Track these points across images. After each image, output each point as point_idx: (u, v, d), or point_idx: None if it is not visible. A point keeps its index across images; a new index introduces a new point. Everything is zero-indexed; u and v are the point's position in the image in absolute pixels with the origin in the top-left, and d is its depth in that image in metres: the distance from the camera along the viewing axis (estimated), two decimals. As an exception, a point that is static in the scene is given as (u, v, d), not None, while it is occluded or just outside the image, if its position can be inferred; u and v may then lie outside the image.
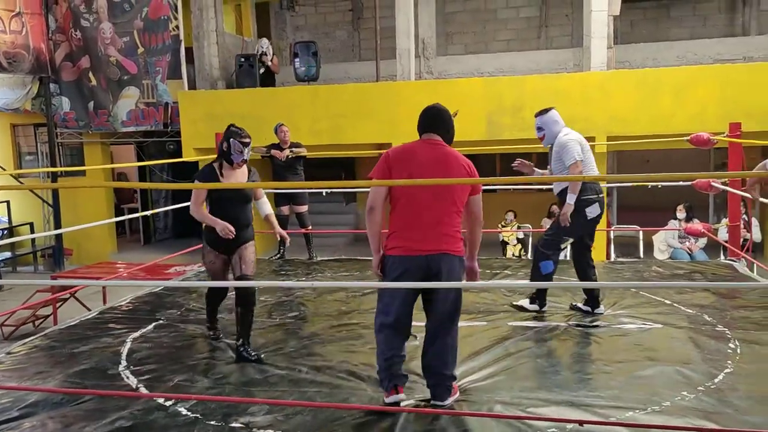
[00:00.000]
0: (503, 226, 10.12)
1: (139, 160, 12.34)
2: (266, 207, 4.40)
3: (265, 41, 11.47)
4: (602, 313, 4.66)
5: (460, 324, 4.47)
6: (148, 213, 6.77)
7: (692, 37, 11.78)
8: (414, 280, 3.11)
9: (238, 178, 4.11)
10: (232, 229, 4.00)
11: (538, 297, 4.79)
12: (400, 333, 3.22)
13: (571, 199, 4.43)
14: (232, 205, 4.11)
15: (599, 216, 4.57)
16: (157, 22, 11.23)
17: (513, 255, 9.91)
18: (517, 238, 10.19)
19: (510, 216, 10.33)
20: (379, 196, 3.22)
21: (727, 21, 12.30)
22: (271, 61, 11.39)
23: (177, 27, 11.11)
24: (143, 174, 13.47)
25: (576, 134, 4.59)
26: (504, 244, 10.25)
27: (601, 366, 3.75)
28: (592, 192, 4.51)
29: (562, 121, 4.66)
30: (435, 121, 3.34)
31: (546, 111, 4.65)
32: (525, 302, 4.81)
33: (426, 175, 3.14)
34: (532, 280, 4.79)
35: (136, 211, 13.04)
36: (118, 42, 11.53)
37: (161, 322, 4.87)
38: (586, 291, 4.73)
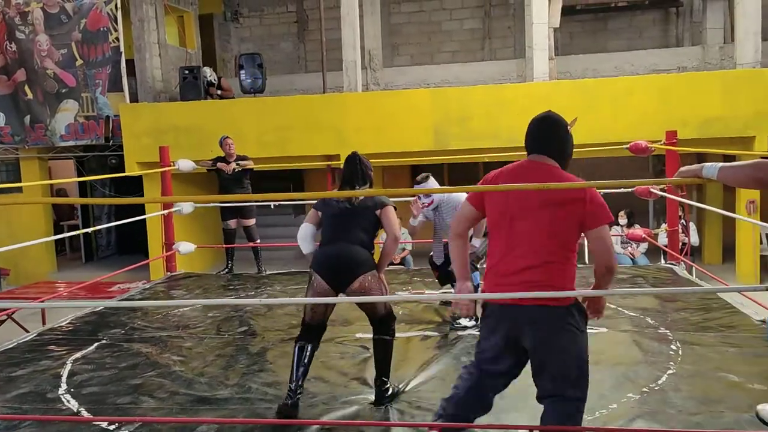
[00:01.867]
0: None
1: (80, 175, 11.96)
2: None
3: (207, 70, 11.16)
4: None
5: (410, 334, 4.51)
6: (89, 230, 6.55)
7: (629, 48, 12.19)
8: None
9: None
10: None
11: None
12: None
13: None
14: None
15: None
16: (96, 33, 10.94)
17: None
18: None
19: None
20: (462, 222, 2.70)
21: (661, 33, 12.78)
22: (221, 87, 11.14)
23: (117, 39, 10.85)
24: (84, 190, 13.06)
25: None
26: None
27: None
28: None
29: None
30: (544, 136, 2.65)
31: (426, 178, 4.85)
32: (464, 321, 4.80)
33: (524, 206, 2.50)
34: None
35: (76, 228, 12.63)
36: (56, 54, 11.19)
37: (104, 342, 4.71)
38: None
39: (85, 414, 3.42)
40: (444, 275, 5.23)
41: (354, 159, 3.63)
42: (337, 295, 3.44)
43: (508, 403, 3.36)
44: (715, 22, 11.30)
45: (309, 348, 3.42)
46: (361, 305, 3.53)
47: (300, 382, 3.34)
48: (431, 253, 5.22)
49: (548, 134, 2.66)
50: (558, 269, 2.48)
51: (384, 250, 3.56)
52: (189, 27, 12.49)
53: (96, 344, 4.65)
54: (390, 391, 3.49)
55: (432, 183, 4.90)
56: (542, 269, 2.47)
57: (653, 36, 12.72)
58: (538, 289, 2.42)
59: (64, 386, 3.82)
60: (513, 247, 2.51)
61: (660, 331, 4.46)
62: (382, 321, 3.50)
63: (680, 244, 7.03)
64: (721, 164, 2.41)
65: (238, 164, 7.33)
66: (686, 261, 6.51)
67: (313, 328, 3.47)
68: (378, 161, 10.40)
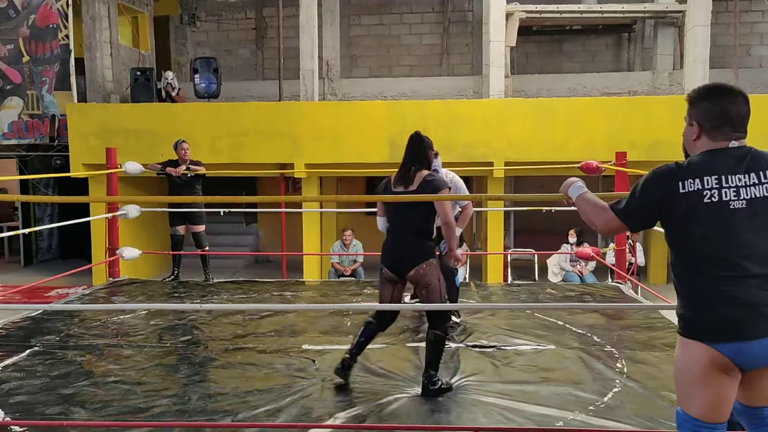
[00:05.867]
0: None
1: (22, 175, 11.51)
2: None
3: (170, 74, 10.94)
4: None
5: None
6: (26, 231, 6.28)
7: (582, 70, 12.46)
8: None
9: None
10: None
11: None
12: None
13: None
14: None
15: None
16: (45, 30, 10.59)
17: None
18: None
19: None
20: None
21: (613, 57, 13.12)
22: (177, 94, 10.92)
23: (67, 36, 10.52)
24: (25, 190, 12.57)
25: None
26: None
27: (498, 387, 3.78)
28: None
29: None
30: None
31: (435, 155, 4.75)
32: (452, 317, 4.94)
33: None
34: (451, 294, 4.91)
35: (16, 230, 12.14)
36: (1, 50, 10.78)
37: (37, 349, 4.49)
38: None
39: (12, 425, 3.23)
40: None
41: (415, 140, 3.83)
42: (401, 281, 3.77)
43: (454, 420, 3.32)
44: (666, 48, 11.64)
45: (374, 325, 3.75)
46: (417, 294, 3.79)
47: (356, 352, 3.71)
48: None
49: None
50: None
51: (445, 234, 3.79)
52: (143, 28, 12.21)
53: (28, 351, 4.43)
54: (438, 385, 3.64)
55: (439, 162, 4.67)
56: None
57: (606, 60, 13.05)
58: None
59: (-10, 395, 3.61)
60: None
61: (606, 348, 4.49)
62: (437, 316, 3.67)
63: (627, 263, 7.15)
64: (584, 191, 2.45)
65: (188, 168, 7.15)
66: (632, 280, 6.63)
67: (382, 312, 3.77)
68: (333, 172, 10.35)
